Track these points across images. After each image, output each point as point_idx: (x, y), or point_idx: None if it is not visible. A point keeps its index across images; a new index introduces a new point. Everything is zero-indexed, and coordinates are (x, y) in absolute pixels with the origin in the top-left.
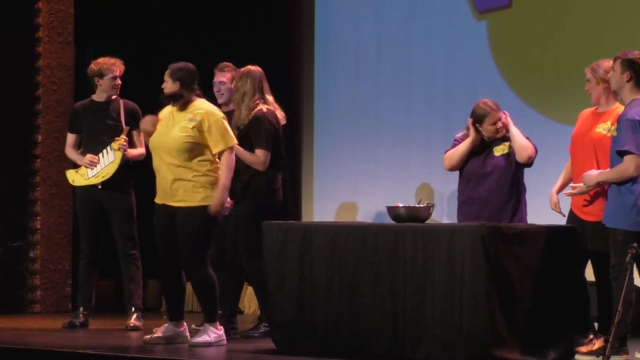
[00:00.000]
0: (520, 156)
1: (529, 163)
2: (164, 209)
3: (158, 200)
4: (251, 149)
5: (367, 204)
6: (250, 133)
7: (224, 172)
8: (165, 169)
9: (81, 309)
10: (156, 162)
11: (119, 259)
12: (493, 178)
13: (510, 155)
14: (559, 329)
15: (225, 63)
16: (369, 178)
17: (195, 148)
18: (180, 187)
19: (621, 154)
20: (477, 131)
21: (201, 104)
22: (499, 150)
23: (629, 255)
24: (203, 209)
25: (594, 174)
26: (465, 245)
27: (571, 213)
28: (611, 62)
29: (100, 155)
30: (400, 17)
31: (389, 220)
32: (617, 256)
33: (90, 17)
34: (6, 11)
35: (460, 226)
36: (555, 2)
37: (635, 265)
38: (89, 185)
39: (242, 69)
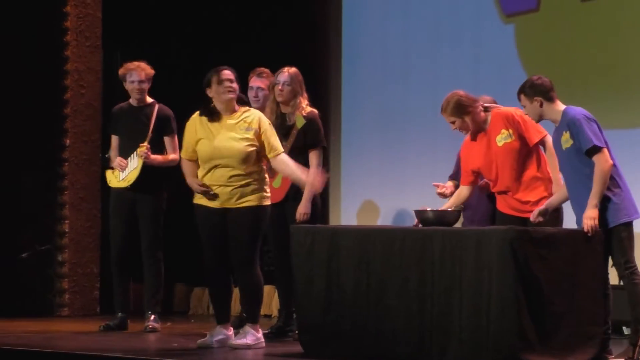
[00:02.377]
0: None
1: None
2: (212, 210)
3: (207, 203)
4: (303, 149)
5: (393, 205)
6: (305, 133)
7: (313, 171)
8: (221, 175)
9: (119, 314)
10: (208, 168)
11: (142, 260)
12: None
13: None
14: (589, 333)
15: (262, 69)
16: (395, 180)
17: (254, 154)
18: (238, 191)
19: (590, 152)
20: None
21: (250, 110)
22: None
23: None
24: (257, 209)
25: (592, 206)
26: (493, 248)
27: (501, 214)
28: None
29: (129, 159)
30: (427, 20)
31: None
32: (623, 253)
33: (119, 20)
34: (34, 15)
35: (488, 230)
36: (584, 5)
37: None
38: (121, 187)
39: (293, 69)
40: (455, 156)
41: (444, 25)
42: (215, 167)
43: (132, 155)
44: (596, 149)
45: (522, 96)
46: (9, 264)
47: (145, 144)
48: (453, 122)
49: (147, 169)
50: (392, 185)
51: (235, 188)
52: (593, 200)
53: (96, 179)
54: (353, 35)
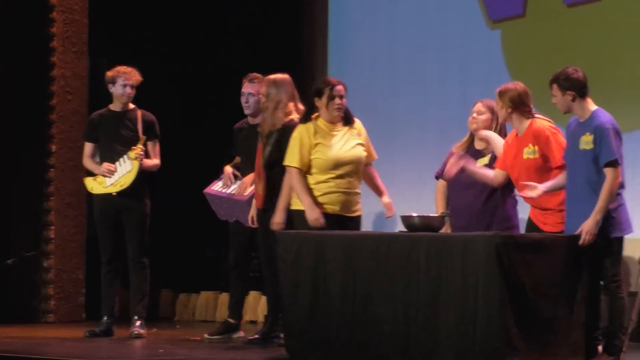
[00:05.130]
0: (496, 181)
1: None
2: (332, 219)
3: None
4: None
5: (380, 210)
6: (281, 142)
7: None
8: (343, 182)
9: (105, 318)
10: (329, 176)
11: (128, 266)
12: (470, 190)
13: (490, 167)
14: (574, 339)
15: (255, 74)
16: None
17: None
18: (356, 197)
19: (608, 164)
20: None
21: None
22: (482, 162)
23: None
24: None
25: (595, 221)
26: (479, 254)
27: (530, 222)
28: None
29: (117, 164)
30: (414, 26)
31: (402, 228)
32: (613, 266)
33: (105, 27)
34: (21, 21)
35: (474, 235)
36: (570, 11)
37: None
38: (107, 193)
39: (274, 77)
40: (444, 156)
41: (430, 31)
42: (336, 171)
43: (121, 160)
44: (614, 164)
45: (555, 86)
46: None
47: (140, 145)
48: (501, 107)
49: (138, 171)
50: None
51: (355, 194)
52: (598, 215)
53: (82, 185)
54: (340, 39)
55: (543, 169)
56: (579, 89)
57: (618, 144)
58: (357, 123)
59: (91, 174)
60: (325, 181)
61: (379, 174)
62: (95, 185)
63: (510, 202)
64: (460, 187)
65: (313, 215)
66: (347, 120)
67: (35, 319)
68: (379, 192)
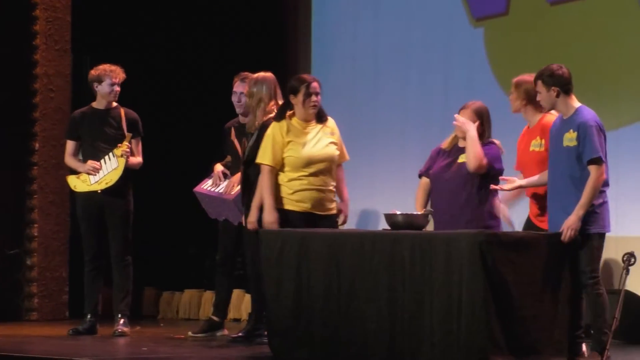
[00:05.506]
0: (469, 165)
1: (480, 173)
2: (303, 216)
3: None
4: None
5: (363, 209)
6: (258, 140)
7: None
8: (315, 180)
9: (89, 316)
10: (301, 174)
11: (111, 263)
12: (449, 186)
13: None
14: (557, 337)
15: (246, 73)
16: (365, 183)
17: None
18: (329, 195)
19: (591, 161)
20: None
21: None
22: (462, 158)
23: (626, 262)
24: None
25: (578, 217)
26: (462, 252)
27: (528, 221)
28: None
29: (102, 161)
30: (397, 24)
31: (386, 226)
32: (590, 262)
33: (88, 25)
34: (3, 19)
35: (457, 234)
36: (552, 9)
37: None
38: (90, 191)
39: (257, 75)
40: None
41: (414, 29)
42: (308, 170)
43: (106, 157)
44: (598, 161)
45: (540, 83)
46: None
47: (126, 143)
48: (515, 97)
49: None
50: (362, 190)
51: (329, 192)
52: (580, 210)
53: (65, 183)
54: (323, 38)
55: (547, 163)
56: (563, 85)
57: (602, 141)
58: (331, 122)
59: (74, 172)
60: (297, 179)
61: (360, 172)
62: (79, 183)
63: (493, 200)
64: (444, 185)
65: (270, 219)
66: (320, 118)
67: (18, 316)
68: (341, 197)
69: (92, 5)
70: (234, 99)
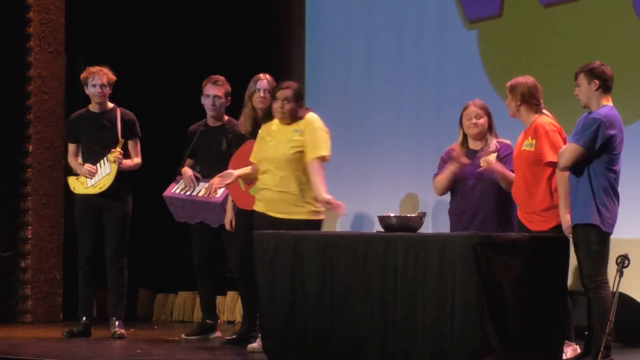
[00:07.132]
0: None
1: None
2: (258, 216)
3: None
4: None
5: (357, 213)
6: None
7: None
8: (267, 179)
9: (83, 318)
10: (259, 173)
11: (106, 266)
12: (479, 189)
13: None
14: (549, 339)
15: (218, 77)
16: (359, 187)
17: (302, 158)
18: (287, 198)
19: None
20: (464, 135)
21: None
22: (483, 163)
23: (620, 265)
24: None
25: (564, 217)
26: (456, 254)
27: (519, 223)
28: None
29: (98, 165)
30: (391, 27)
31: (380, 229)
32: (590, 266)
33: (81, 27)
34: None
35: (451, 236)
36: (546, 11)
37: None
38: (88, 193)
39: (266, 76)
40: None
41: (407, 31)
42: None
43: (101, 162)
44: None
45: (582, 75)
46: None
47: (118, 149)
48: (511, 100)
49: (117, 174)
50: (356, 194)
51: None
52: (562, 208)
53: (59, 185)
54: (316, 45)
55: (536, 163)
56: (604, 81)
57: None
58: (305, 120)
59: (75, 173)
60: (259, 179)
61: (353, 172)
62: (78, 185)
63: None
64: (467, 188)
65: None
66: (295, 119)
67: (12, 319)
68: (315, 190)
69: (85, 7)
70: (207, 102)
